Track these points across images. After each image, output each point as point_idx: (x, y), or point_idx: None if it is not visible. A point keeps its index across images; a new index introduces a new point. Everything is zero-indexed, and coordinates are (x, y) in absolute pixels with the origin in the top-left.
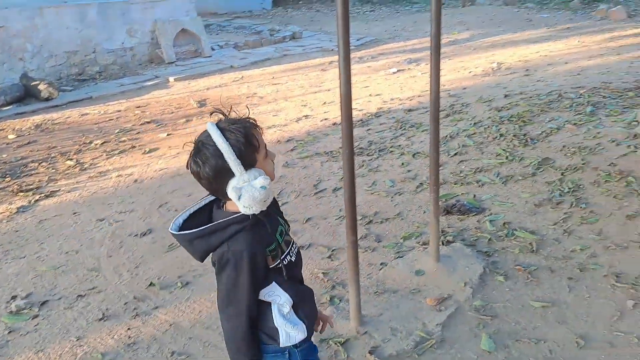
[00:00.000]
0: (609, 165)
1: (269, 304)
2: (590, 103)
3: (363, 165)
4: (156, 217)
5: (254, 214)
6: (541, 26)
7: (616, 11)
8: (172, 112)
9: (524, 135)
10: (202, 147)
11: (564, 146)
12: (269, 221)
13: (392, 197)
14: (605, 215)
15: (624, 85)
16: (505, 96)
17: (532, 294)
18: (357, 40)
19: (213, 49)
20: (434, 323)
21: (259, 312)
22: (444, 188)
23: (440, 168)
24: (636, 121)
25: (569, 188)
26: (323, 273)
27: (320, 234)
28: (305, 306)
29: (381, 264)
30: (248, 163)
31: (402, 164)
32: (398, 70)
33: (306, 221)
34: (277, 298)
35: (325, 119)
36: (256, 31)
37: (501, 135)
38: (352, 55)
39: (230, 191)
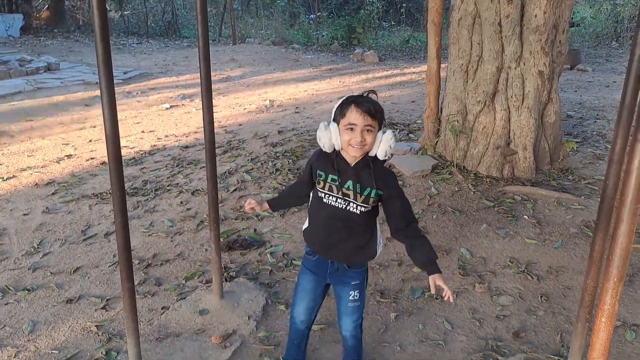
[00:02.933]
0: None
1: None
2: None
3: (138, 206)
4: None
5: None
6: (307, 66)
7: (370, 55)
8: None
9: (298, 169)
10: None
11: None
12: (330, 161)
13: (172, 238)
14: None
15: None
16: (279, 132)
17: None
18: (125, 73)
19: None
20: None
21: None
22: (225, 224)
23: (221, 204)
24: None
25: None
26: (97, 326)
27: (92, 283)
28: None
29: (163, 308)
30: (335, 119)
31: (181, 202)
32: (172, 106)
33: (74, 271)
34: None
35: (93, 158)
36: (1, 61)
37: (277, 170)
38: (121, 89)
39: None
